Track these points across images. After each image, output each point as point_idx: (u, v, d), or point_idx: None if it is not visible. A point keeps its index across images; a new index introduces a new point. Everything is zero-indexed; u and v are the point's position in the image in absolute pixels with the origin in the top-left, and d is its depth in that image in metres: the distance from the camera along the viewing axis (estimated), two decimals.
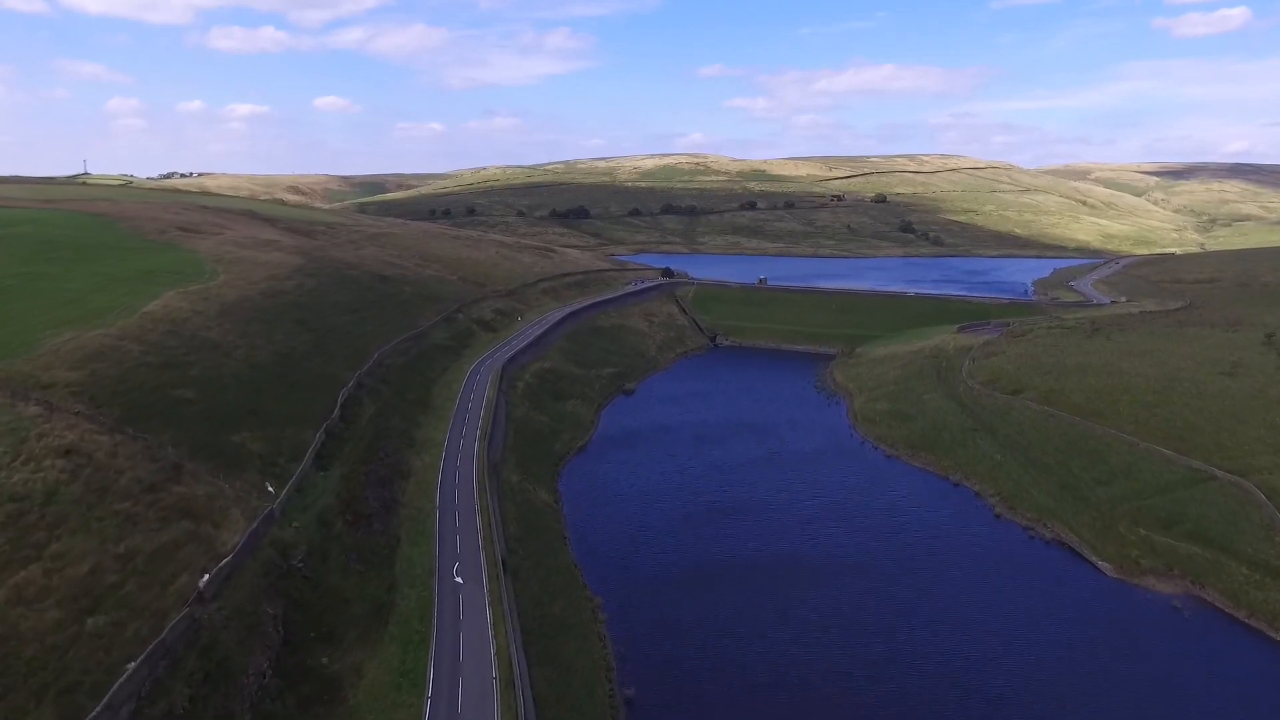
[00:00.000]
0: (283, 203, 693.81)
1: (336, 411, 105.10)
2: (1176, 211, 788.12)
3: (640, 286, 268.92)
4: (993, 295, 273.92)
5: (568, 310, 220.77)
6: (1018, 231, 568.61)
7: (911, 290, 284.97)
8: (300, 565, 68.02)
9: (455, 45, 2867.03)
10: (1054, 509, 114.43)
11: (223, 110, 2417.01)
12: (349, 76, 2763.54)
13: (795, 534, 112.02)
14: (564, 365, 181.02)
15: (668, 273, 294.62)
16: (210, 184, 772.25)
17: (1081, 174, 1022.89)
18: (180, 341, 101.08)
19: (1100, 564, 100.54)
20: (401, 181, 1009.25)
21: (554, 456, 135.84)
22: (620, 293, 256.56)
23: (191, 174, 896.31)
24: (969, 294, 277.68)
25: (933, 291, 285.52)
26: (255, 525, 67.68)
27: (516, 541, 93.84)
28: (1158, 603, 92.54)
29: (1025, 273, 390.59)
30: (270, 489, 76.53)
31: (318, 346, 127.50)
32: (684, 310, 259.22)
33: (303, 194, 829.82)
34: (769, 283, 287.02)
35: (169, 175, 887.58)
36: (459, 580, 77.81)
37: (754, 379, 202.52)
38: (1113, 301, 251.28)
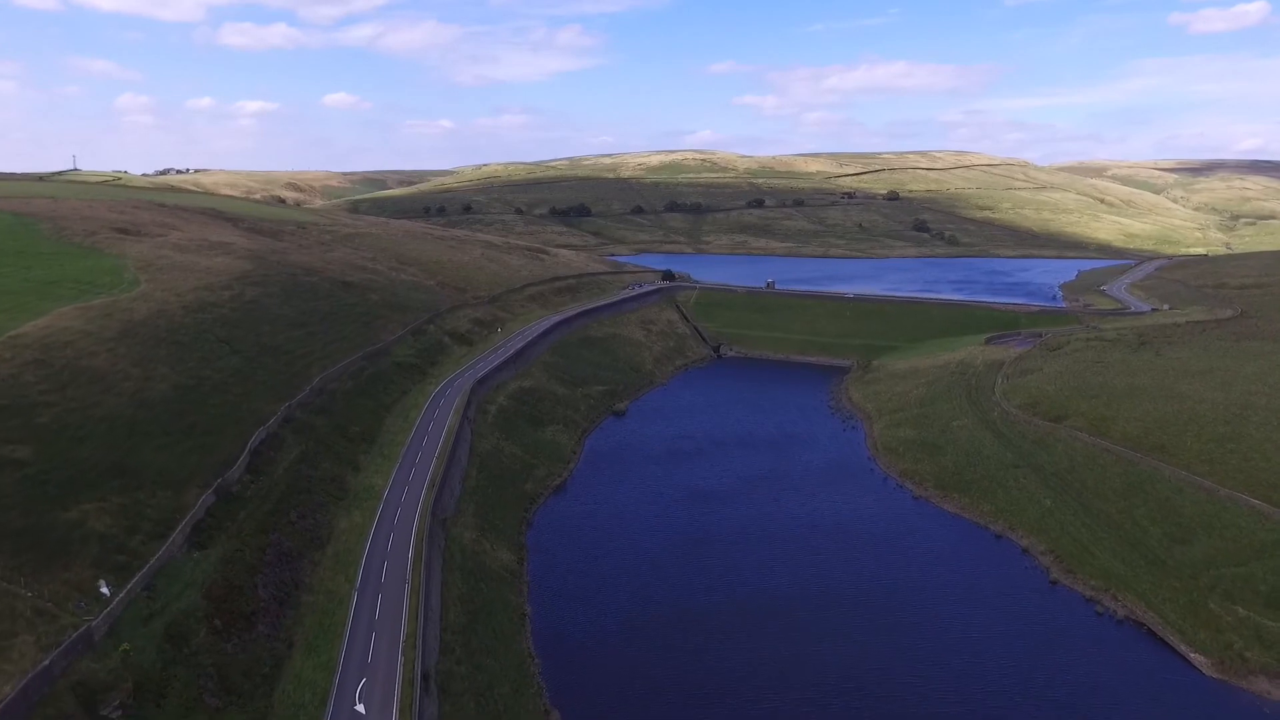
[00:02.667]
0: (281, 200, 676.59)
1: (243, 459, 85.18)
2: (1197, 209, 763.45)
3: (638, 291, 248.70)
4: (1021, 302, 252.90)
5: (556, 319, 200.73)
6: (1036, 230, 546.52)
7: (932, 296, 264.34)
8: (116, 714, 48.10)
9: (466, 42, 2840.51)
10: (1124, 576, 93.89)
11: (232, 107, 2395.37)
12: (359, 73, 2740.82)
13: (814, 605, 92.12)
14: (547, 384, 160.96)
15: (668, 276, 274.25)
16: (206, 180, 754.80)
17: (1097, 171, 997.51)
18: (45, 374, 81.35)
19: (1193, 656, 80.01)
20: (404, 178, 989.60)
21: (524, 499, 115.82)
22: (616, 298, 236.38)
23: (188, 170, 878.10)
24: (995, 300, 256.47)
25: (955, 297, 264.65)
26: (50, 659, 47.86)
27: (456, 633, 73.84)
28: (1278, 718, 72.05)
29: (1049, 274, 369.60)
30: (105, 589, 56.65)
31: (242, 372, 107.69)
32: (685, 317, 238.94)
33: (301, 191, 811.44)
34: (777, 286, 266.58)
35: (165, 171, 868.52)
36: (360, 709, 58.01)
37: (760, 397, 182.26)
38: (1154, 309, 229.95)
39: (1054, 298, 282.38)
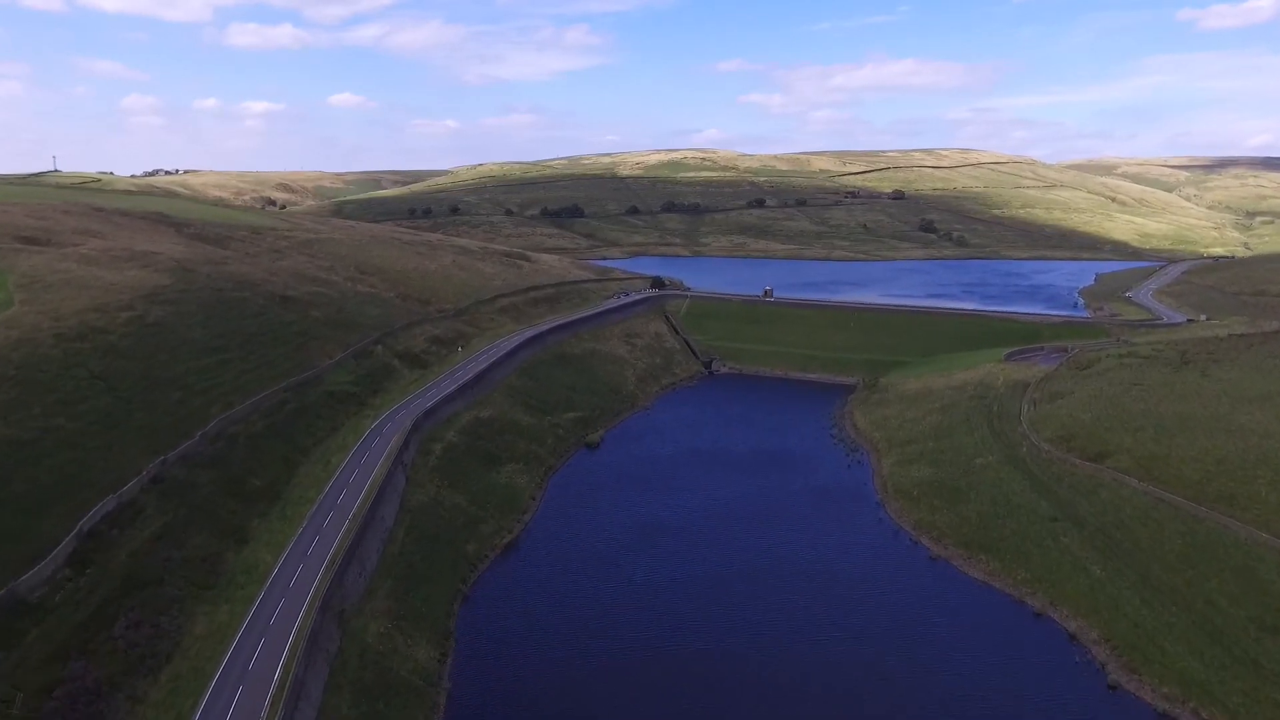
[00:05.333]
0: (272, 202, 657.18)
1: (65, 545, 65.61)
2: (1211, 208, 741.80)
3: (624, 300, 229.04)
4: (1042, 312, 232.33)
5: (529, 334, 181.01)
6: (1048, 231, 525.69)
7: (944, 305, 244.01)
8: None
9: (472, 41, 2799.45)
10: (1206, 681, 73.86)
11: (238, 108, 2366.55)
12: (365, 73, 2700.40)
13: (815, 699, 72.46)
14: (509, 412, 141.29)
15: (658, 283, 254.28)
16: (195, 181, 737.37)
17: (1107, 169, 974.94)
18: None
19: None
20: (400, 178, 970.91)
21: (463, 565, 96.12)
22: (599, 309, 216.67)
23: (177, 171, 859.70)
24: (1013, 310, 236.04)
25: (969, 306, 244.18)
26: None
27: None
28: None
29: (1065, 277, 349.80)
30: None
31: (112, 417, 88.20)
32: (675, 329, 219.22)
33: (293, 192, 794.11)
34: (776, 294, 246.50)
35: (154, 173, 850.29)
36: None
37: (753, 422, 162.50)
38: (1189, 320, 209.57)
39: (1075, 305, 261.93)
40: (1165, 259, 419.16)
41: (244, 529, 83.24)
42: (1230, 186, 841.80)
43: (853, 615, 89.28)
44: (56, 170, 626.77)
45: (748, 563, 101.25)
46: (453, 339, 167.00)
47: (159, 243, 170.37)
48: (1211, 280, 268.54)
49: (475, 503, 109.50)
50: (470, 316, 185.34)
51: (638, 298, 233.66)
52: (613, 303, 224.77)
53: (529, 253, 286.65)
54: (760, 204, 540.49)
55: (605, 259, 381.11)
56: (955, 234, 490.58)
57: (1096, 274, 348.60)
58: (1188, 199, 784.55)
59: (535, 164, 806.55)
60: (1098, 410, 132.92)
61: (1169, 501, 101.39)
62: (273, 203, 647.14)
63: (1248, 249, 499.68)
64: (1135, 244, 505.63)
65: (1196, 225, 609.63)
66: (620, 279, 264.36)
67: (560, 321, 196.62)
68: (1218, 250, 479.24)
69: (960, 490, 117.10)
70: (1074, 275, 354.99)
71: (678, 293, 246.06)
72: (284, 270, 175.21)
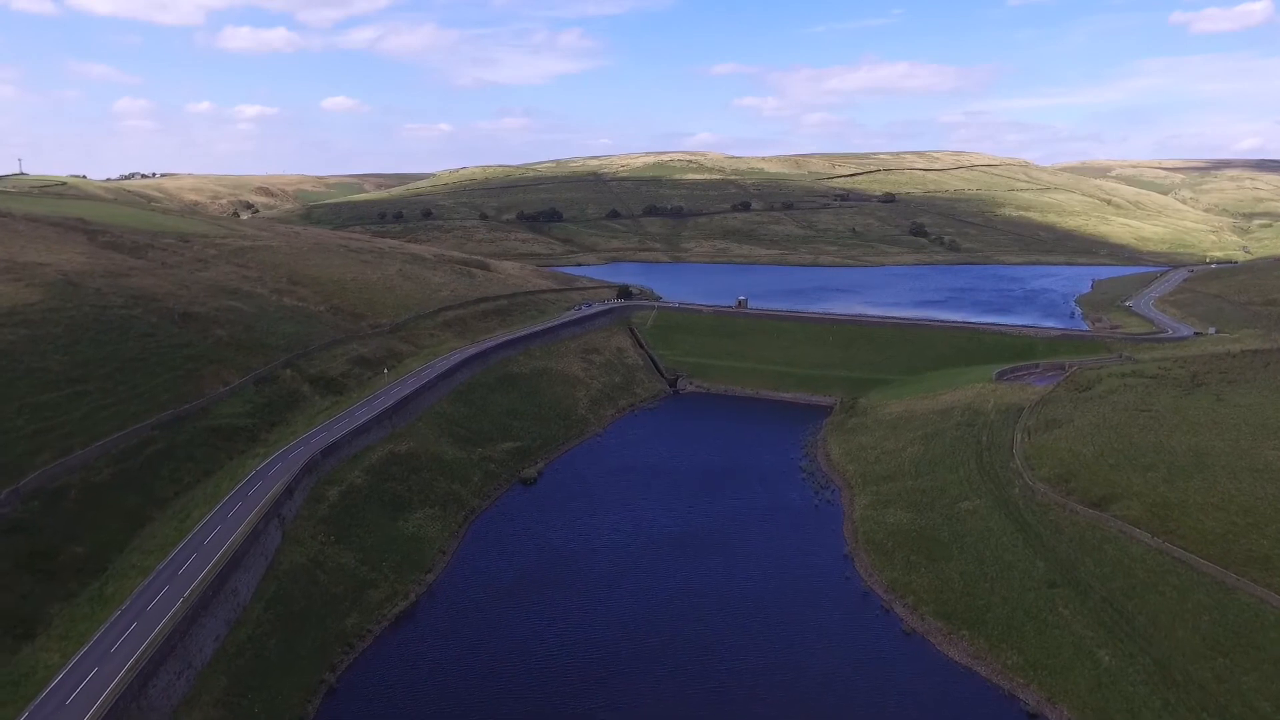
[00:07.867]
0: (250, 205, 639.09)
1: None
2: (1207, 210, 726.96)
3: (585, 312, 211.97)
4: (1037, 325, 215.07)
5: (471, 352, 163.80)
6: (1042, 234, 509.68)
7: (930, 317, 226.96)
8: None
9: (466, 44, 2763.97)
10: None
11: (231, 111, 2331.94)
12: (358, 77, 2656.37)
13: None
14: (433, 445, 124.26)
15: (625, 292, 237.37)
16: (170, 185, 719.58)
17: (1101, 171, 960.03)
18: None
19: None
20: (383, 181, 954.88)
21: (334, 646, 79.07)
22: (556, 321, 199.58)
23: (154, 175, 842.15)
24: (1005, 322, 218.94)
25: (957, 318, 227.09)
26: None
27: None
28: None
29: (1061, 283, 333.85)
30: None
31: None
32: (639, 343, 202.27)
33: (273, 195, 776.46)
34: (752, 304, 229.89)
35: (130, 176, 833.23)
36: None
37: (717, 448, 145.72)
38: (1196, 334, 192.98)
39: (1072, 315, 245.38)
40: (1164, 263, 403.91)
41: (35, 618, 66.15)
42: (1226, 189, 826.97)
43: (806, 709, 72.46)
44: (21, 173, 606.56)
45: (685, 634, 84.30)
46: (381, 359, 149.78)
47: (57, 253, 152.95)
48: (1217, 289, 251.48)
49: (367, 562, 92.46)
50: (408, 332, 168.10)
51: (601, 309, 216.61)
52: (572, 314, 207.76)
53: (489, 260, 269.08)
54: (745, 207, 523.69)
55: (580, 265, 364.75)
56: (947, 238, 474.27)
57: (1093, 280, 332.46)
58: (1184, 201, 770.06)
59: (520, 166, 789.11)
60: (1100, 443, 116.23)
61: (1189, 563, 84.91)
62: (249, 206, 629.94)
63: (1247, 253, 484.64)
64: (1133, 247, 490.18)
65: (1194, 228, 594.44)
66: (585, 288, 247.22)
67: (509, 337, 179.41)
68: (1217, 254, 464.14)
69: (942, 543, 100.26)
70: (1070, 281, 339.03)
71: (645, 303, 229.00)
72: (200, 282, 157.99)
